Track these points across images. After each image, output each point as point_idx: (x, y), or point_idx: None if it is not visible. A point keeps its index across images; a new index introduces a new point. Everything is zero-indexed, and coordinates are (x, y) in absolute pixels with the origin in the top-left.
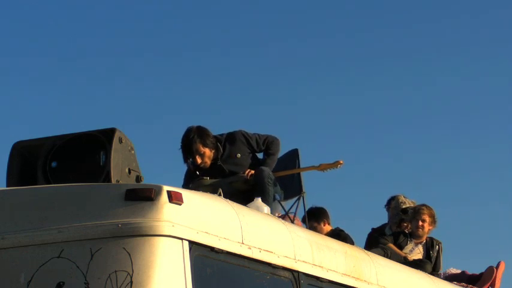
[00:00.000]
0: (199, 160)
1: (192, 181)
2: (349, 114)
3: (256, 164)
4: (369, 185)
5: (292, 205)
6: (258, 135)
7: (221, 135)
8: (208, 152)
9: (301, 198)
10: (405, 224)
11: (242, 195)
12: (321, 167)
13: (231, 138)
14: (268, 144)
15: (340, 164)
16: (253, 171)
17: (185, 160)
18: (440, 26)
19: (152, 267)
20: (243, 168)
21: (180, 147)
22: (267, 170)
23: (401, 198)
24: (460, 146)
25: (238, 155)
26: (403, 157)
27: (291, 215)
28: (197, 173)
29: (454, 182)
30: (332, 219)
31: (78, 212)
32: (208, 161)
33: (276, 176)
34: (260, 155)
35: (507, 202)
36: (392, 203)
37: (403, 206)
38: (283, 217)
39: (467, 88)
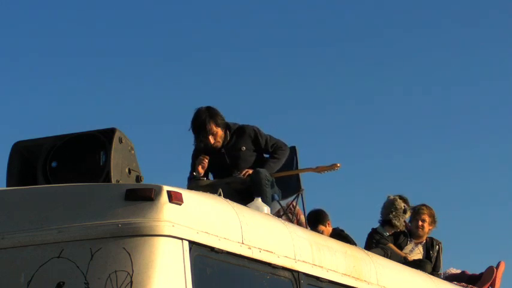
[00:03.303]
0: (212, 140)
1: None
2: (349, 114)
3: (260, 163)
4: (369, 185)
5: (291, 202)
6: (270, 136)
7: (234, 124)
8: (220, 132)
9: (300, 195)
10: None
11: (239, 195)
12: (318, 169)
13: (240, 131)
14: (276, 148)
15: (338, 166)
16: (250, 171)
17: (197, 142)
18: (440, 26)
19: (152, 267)
20: (244, 163)
21: (190, 128)
22: (264, 172)
23: (391, 196)
24: (460, 146)
25: (243, 148)
26: (403, 157)
27: (298, 210)
28: (193, 173)
29: (454, 182)
30: (332, 219)
31: (78, 212)
32: (220, 141)
33: (274, 176)
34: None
35: (507, 202)
36: (385, 203)
37: (402, 205)
38: (284, 211)
39: (467, 88)
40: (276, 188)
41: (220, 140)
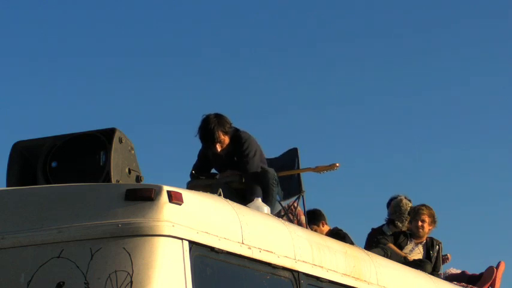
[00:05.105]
0: (219, 148)
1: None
2: (349, 114)
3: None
4: (369, 185)
5: (292, 204)
6: (251, 150)
7: (234, 129)
8: (227, 140)
9: (301, 197)
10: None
11: (239, 195)
12: (318, 169)
13: (236, 137)
14: (246, 160)
15: (337, 166)
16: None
17: (206, 147)
18: (440, 26)
19: (152, 267)
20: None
21: (197, 134)
22: (272, 172)
23: (404, 200)
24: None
25: (235, 158)
26: (403, 157)
27: (299, 210)
28: (193, 172)
29: (454, 182)
30: (331, 219)
31: (78, 212)
32: (225, 148)
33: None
34: None
35: (507, 202)
36: (392, 202)
37: (408, 207)
38: (285, 211)
39: (466, 88)
40: (279, 189)
41: (225, 146)
